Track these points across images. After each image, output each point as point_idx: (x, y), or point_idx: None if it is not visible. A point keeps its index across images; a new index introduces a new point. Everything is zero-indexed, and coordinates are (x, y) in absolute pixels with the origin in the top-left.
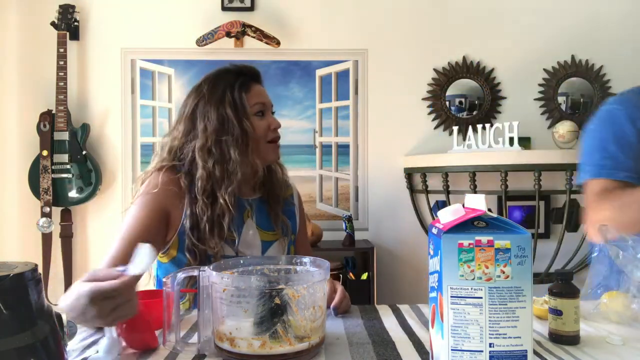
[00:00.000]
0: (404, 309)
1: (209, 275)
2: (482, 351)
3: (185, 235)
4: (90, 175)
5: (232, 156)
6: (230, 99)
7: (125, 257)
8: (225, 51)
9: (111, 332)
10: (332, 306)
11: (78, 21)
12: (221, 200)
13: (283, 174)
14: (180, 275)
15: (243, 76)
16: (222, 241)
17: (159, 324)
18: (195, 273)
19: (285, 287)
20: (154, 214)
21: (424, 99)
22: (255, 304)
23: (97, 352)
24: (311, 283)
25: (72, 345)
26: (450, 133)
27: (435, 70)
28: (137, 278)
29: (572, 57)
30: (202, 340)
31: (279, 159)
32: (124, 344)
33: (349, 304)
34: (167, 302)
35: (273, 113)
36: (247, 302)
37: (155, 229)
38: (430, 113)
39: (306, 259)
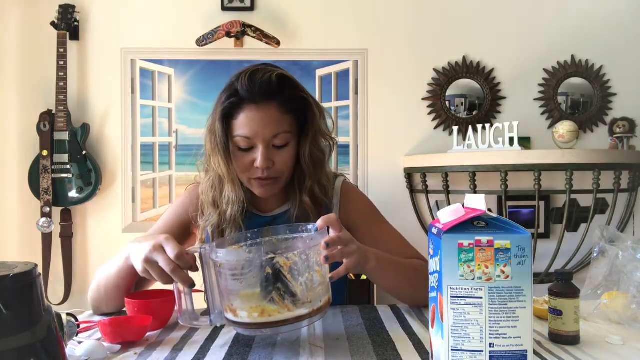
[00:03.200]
0: (404, 309)
1: (209, 252)
2: (482, 351)
3: None
4: (90, 175)
5: (218, 188)
6: (212, 124)
7: None
8: (225, 51)
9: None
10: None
11: (78, 21)
12: (223, 223)
13: (319, 182)
14: (187, 251)
15: (235, 96)
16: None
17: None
18: (199, 251)
19: (276, 256)
20: (175, 221)
21: (424, 99)
22: (249, 275)
23: (81, 356)
24: (303, 249)
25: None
26: (450, 133)
27: (435, 70)
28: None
29: (572, 57)
30: (214, 313)
31: (269, 195)
32: (106, 344)
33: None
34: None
35: (281, 147)
36: (241, 274)
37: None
38: (430, 113)
39: (310, 226)
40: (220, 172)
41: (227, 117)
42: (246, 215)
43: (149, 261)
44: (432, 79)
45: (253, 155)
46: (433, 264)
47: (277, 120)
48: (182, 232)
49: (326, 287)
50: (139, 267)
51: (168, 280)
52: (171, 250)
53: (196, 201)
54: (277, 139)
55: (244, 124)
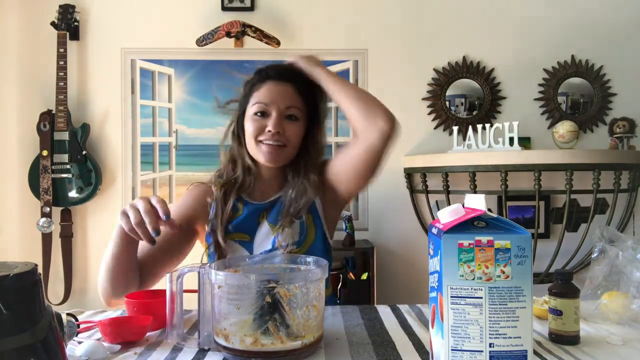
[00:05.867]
0: (404, 309)
1: (208, 273)
2: (482, 351)
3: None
4: (90, 175)
5: (234, 157)
6: (238, 103)
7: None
8: (225, 51)
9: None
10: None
11: (78, 21)
12: (229, 199)
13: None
14: (184, 270)
15: (258, 74)
16: (222, 239)
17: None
18: (197, 270)
19: (277, 286)
20: (178, 214)
21: (424, 99)
22: (247, 301)
23: (81, 356)
24: (304, 282)
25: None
26: (450, 133)
27: (435, 70)
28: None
29: (572, 57)
30: (203, 335)
31: (272, 163)
32: (106, 344)
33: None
34: (170, 298)
35: (293, 117)
36: (239, 300)
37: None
38: (430, 113)
39: (310, 259)
40: (235, 157)
41: (250, 90)
42: (245, 204)
43: (132, 206)
44: (432, 79)
45: (267, 122)
46: (433, 264)
47: (292, 96)
48: (186, 226)
49: (320, 323)
50: (120, 213)
51: (134, 230)
52: (155, 199)
53: (201, 197)
54: (290, 111)
55: (263, 93)
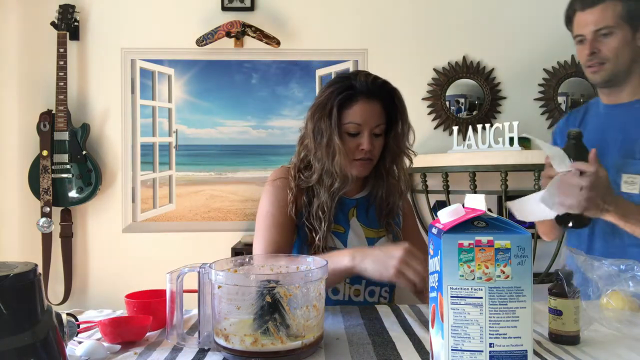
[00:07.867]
0: (404, 309)
1: (208, 273)
2: (482, 351)
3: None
4: (90, 175)
5: (317, 165)
6: (327, 112)
7: (277, 242)
8: (225, 51)
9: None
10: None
11: (78, 21)
12: (321, 199)
13: (398, 180)
14: (184, 270)
15: (351, 90)
16: (325, 232)
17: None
18: (197, 270)
19: (277, 286)
20: (285, 202)
21: (424, 99)
22: (247, 301)
23: (81, 356)
24: (304, 282)
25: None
26: (450, 133)
27: (435, 70)
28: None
29: (572, 57)
30: (203, 335)
31: (364, 175)
32: (106, 344)
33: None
34: (170, 298)
35: (378, 135)
36: (239, 300)
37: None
38: (430, 113)
39: (310, 259)
40: (318, 167)
41: (341, 106)
42: (337, 200)
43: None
44: (432, 79)
45: (358, 140)
46: (433, 264)
47: (380, 113)
48: (293, 224)
49: (320, 323)
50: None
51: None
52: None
53: (296, 193)
54: (378, 129)
55: (356, 113)
